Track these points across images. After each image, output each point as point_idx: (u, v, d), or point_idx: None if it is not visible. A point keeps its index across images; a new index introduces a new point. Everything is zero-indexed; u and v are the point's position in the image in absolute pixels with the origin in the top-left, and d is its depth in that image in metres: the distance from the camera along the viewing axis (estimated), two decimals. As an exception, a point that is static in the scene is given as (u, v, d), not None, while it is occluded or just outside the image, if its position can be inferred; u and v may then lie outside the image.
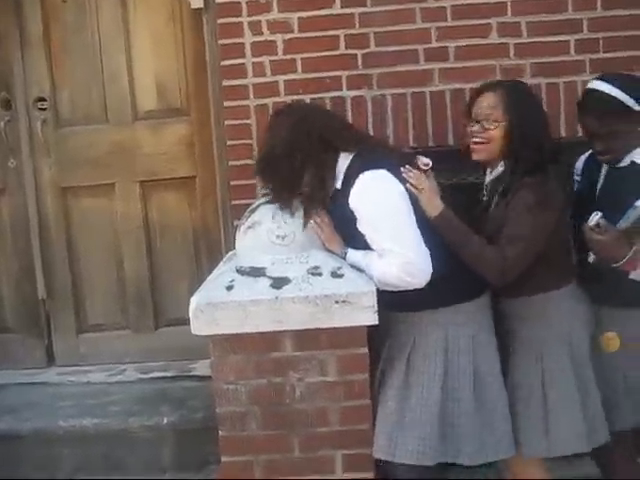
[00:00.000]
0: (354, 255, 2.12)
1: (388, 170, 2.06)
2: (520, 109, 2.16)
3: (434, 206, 2.09)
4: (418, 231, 2.03)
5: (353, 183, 2.06)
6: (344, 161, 2.11)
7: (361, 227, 2.07)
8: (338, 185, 2.13)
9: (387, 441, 2.12)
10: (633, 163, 2.17)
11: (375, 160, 2.09)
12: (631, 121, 2.14)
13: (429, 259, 2.01)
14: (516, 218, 2.10)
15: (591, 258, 2.06)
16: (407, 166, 2.10)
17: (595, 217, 1.98)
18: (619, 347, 2.18)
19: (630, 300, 2.16)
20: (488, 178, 2.26)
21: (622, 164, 2.20)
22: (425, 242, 2.04)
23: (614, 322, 2.20)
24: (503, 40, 2.71)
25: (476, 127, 2.17)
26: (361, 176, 2.05)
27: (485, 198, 2.26)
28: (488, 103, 2.17)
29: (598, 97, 2.16)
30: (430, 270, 2.01)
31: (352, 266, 2.10)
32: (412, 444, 2.10)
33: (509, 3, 2.70)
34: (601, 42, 2.73)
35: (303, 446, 2.10)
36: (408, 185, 2.08)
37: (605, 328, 2.20)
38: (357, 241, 2.10)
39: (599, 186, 2.23)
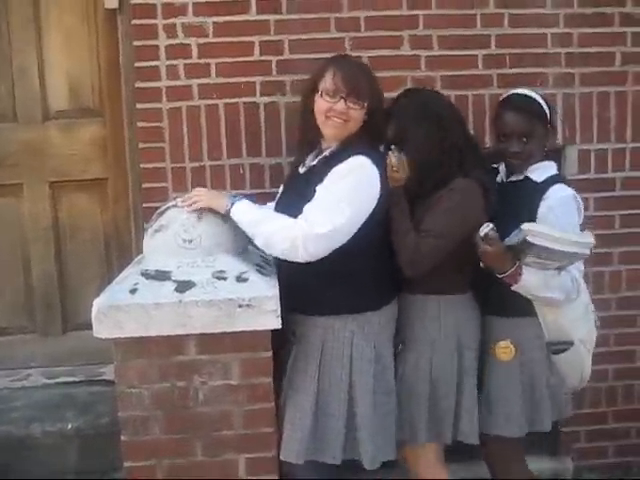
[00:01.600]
0: (248, 208, 2.14)
1: (376, 165, 2.11)
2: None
3: (398, 179, 2.17)
4: (352, 222, 2.07)
5: (338, 162, 2.10)
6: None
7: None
8: (314, 161, 2.19)
9: (299, 445, 2.15)
10: (527, 178, 2.28)
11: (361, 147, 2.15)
12: (544, 128, 2.31)
13: (327, 248, 2.05)
14: (437, 215, 2.19)
15: (482, 263, 2.15)
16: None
17: (485, 228, 2.08)
18: (513, 356, 2.28)
19: (519, 309, 2.26)
20: None
21: (516, 178, 2.31)
22: (350, 250, 2.09)
23: (506, 331, 2.30)
24: (415, 52, 2.78)
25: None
26: (353, 158, 2.10)
27: None
28: None
29: (523, 97, 2.34)
30: (318, 256, 2.05)
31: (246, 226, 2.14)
32: (326, 447, 2.16)
33: (421, 16, 2.78)
34: (508, 58, 2.84)
35: (206, 450, 2.09)
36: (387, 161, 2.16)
37: (497, 338, 2.30)
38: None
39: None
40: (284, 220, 2.11)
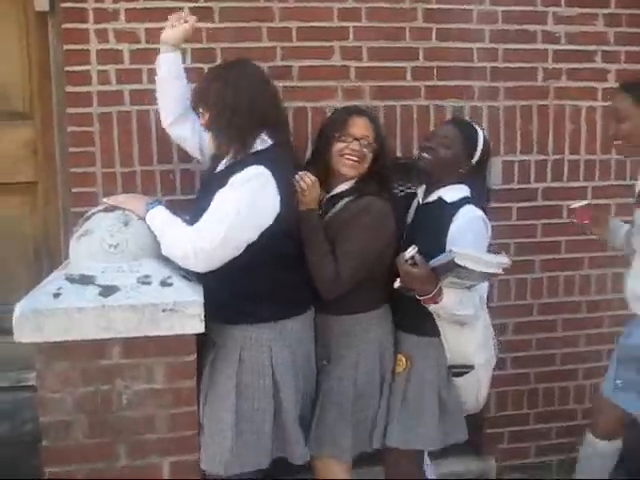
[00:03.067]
0: (159, 214, 2.16)
1: (275, 176, 2.10)
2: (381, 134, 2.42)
3: (308, 202, 2.23)
4: (244, 233, 2.07)
5: (239, 170, 2.10)
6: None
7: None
8: (222, 166, 2.20)
9: (221, 459, 2.17)
10: (440, 199, 2.37)
11: (268, 158, 2.14)
12: (466, 153, 2.40)
13: (219, 259, 2.07)
14: (352, 238, 2.25)
15: (397, 284, 2.20)
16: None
17: (412, 251, 2.14)
18: (404, 369, 2.36)
19: (420, 328, 2.36)
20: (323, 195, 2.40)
21: (430, 199, 2.40)
22: (259, 261, 2.12)
23: (404, 346, 2.40)
24: (345, 63, 2.85)
25: (355, 145, 2.33)
26: (250, 168, 2.09)
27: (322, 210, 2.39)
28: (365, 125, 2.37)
29: (467, 122, 2.51)
30: (211, 267, 2.08)
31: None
32: (251, 458, 2.19)
33: (351, 28, 2.85)
34: (435, 70, 2.94)
35: (130, 454, 2.10)
36: (297, 184, 2.20)
37: (398, 350, 2.40)
38: None
39: (409, 220, 2.41)
40: (181, 229, 2.12)
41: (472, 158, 2.39)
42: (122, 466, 2.10)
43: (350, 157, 2.33)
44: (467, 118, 2.67)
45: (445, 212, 2.31)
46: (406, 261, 2.15)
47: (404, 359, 2.37)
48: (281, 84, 2.76)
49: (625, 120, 2.35)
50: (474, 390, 2.42)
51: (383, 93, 2.88)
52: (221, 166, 2.25)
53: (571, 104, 3.08)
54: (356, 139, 2.32)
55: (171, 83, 2.41)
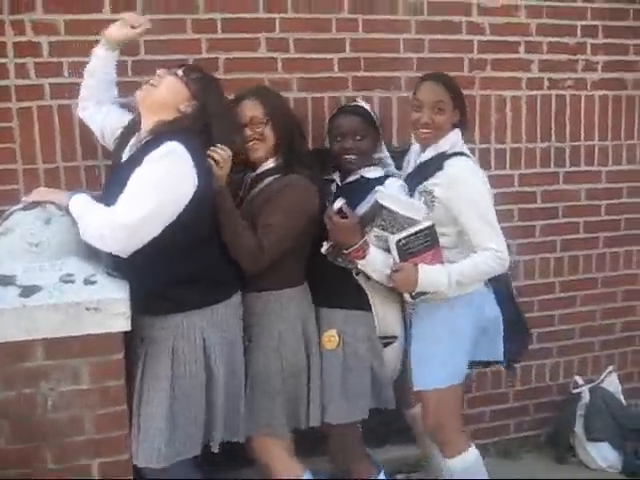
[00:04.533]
0: (79, 200, 2.13)
1: (190, 152, 2.07)
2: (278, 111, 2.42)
3: (221, 176, 2.23)
4: (161, 210, 2.04)
5: (153, 149, 2.07)
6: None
7: None
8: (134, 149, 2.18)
9: (157, 449, 2.14)
10: (362, 177, 2.43)
11: (175, 133, 2.11)
12: (374, 132, 2.51)
13: (136, 239, 2.04)
14: (275, 211, 2.27)
15: (324, 248, 2.26)
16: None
17: (340, 202, 2.20)
18: (337, 345, 2.39)
19: (349, 302, 2.39)
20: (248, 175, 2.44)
21: (352, 178, 2.45)
22: (180, 244, 2.10)
23: (334, 322, 2.41)
24: (271, 55, 2.83)
25: (247, 131, 2.38)
26: (164, 145, 2.06)
27: (244, 190, 2.42)
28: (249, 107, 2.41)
29: (354, 105, 2.57)
30: (128, 247, 2.05)
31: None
32: (187, 445, 2.18)
33: (277, 20, 2.83)
34: (362, 61, 2.95)
35: (57, 457, 2.07)
36: (210, 158, 2.18)
37: (325, 327, 2.41)
38: None
39: (331, 199, 2.44)
40: (98, 210, 2.09)
41: (379, 138, 2.55)
42: (49, 470, 2.06)
43: (246, 143, 2.39)
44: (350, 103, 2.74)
45: (370, 186, 2.38)
46: (336, 214, 2.22)
47: (336, 336, 2.39)
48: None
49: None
50: (396, 359, 2.50)
51: (310, 85, 2.87)
52: (131, 150, 2.22)
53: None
54: (245, 125, 2.38)
55: (102, 75, 2.47)
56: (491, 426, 3.35)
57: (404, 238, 2.30)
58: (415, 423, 2.72)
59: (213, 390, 2.20)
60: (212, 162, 2.20)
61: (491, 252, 2.34)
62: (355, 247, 2.26)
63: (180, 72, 2.24)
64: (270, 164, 2.41)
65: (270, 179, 2.38)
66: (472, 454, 2.52)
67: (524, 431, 3.41)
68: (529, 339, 2.73)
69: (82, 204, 2.12)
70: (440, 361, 2.41)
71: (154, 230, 2.04)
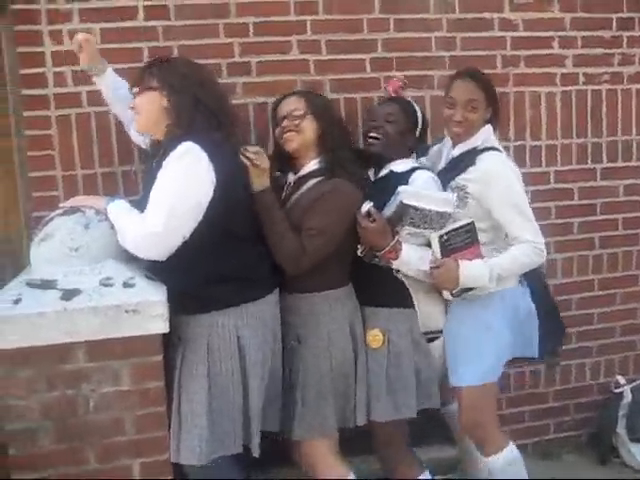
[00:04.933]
0: (117, 206, 2.18)
1: (206, 150, 2.08)
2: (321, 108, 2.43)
3: (261, 183, 2.24)
4: (185, 212, 2.07)
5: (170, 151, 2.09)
6: None
7: None
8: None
9: (198, 446, 2.16)
10: (391, 172, 2.42)
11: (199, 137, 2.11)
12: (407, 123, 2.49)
13: (168, 245, 2.08)
14: (320, 215, 2.27)
15: (360, 250, 2.26)
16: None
17: (367, 205, 2.20)
18: (382, 344, 2.38)
19: (392, 300, 2.38)
20: (292, 176, 2.44)
21: (382, 173, 2.44)
22: (212, 243, 2.12)
23: (378, 321, 2.40)
24: (304, 57, 2.85)
25: (284, 122, 2.39)
26: (179, 146, 2.08)
27: (287, 192, 2.43)
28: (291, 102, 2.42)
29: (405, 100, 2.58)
30: (161, 253, 2.09)
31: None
32: (226, 441, 2.19)
33: (309, 22, 2.85)
34: (394, 61, 2.94)
35: (99, 457, 2.09)
36: (244, 158, 2.20)
37: (369, 326, 2.40)
38: None
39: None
40: (133, 217, 2.13)
41: (415, 131, 2.50)
42: (92, 469, 2.09)
43: (282, 135, 2.40)
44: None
45: (399, 180, 2.38)
46: (363, 217, 2.23)
47: (381, 334, 2.39)
48: (240, 80, 2.79)
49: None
50: (444, 353, 2.48)
51: (343, 86, 2.88)
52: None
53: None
54: (284, 117, 2.39)
55: (116, 98, 2.49)
56: (531, 426, 3.31)
57: (446, 234, 2.30)
58: (452, 421, 2.70)
59: (249, 388, 2.21)
60: (246, 162, 2.21)
61: (528, 244, 2.33)
62: (387, 249, 2.26)
63: (154, 82, 2.20)
64: (313, 166, 2.40)
65: (313, 181, 2.37)
66: (511, 451, 2.49)
67: (564, 431, 3.36)
68: (564, 334, 2.69)
69: (119, 211, 2.16)
70: (474, 358, 2.40)
71: (184, 231, 2.08)
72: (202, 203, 2.08)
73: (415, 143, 2.52)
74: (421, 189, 2.28)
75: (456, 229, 2.32)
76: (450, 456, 3.04)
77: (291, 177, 2.46)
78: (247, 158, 2.22)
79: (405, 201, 2.20)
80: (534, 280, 2.52)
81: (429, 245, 2.35)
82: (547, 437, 3.34)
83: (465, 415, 2.49)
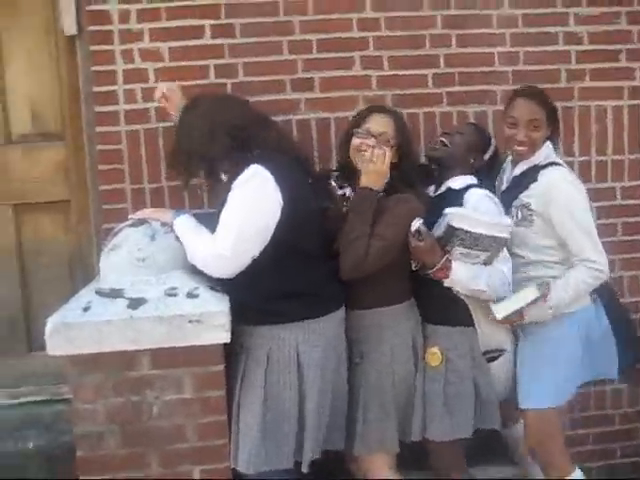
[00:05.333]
0: (185, 223, 2.25)
1: (272, 172, 2.13)
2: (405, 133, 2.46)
3: (369, 180, 2.30)
4: (253, 233, 2.12)
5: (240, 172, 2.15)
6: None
7: None
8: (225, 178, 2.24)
9: (249, 455, 2.20)
10: (449, 189, 2.41)
11: (264, 158, 2.17)
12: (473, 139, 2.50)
13: (237, 265, 2.13)
14: (383, 223, 2.28)
15: (414, 265, 2.26)
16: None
17: (416, 223, 2.20)
18: (440, 362, 2.36)
19: (451, 319, 2.37)
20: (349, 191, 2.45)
21: (441, 190, 2.44)
22: (279, 259, 2.15)
23: (437, 339, 2.39)
24: (366, 72, 2.87)
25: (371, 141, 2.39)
26: (247, 169, 2.14)
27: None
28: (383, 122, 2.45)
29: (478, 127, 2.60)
30: (230, 273, 2.15)
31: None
32: (278, 454, 2.22)
33: (371, 38, 2.88)
34: (456, 76, 2.94)
35: (161, 463, 2.15)
36: (367, 152, 2.31)
37: (429, 344, 2.39)
38: None
39: None
40: (203, 237, 2.19)
41: (485, 153, 2.50)
42: (154, 474, 2.15)
43: (359, 152, 2.38)
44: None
45: (453, 199, 2.37)
46: (412, 235, 2.23)
47: (439, 352, 2.38)
48: (303, 96, 2.83)
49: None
50: (507, 373, 2.45)
51: (405, 101, 2.89)
52: None
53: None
54: (373, 135, 2.37)
55: None
56: (596, 449, 3.21)
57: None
58: (516, 443, 2.66)
59: (305, 404, 2.23)
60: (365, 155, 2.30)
61: (584, 265, 2.30)
62: (437, 267, 2.25)
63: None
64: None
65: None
66: (577, 477, 2.43)
67: (632, 456, 3.25)
68: None
69: (187, 228, 2.24)
70: (544, 382, 2.37)
71: (252, 253, 2.14)
72: (270, 225, 2.14)
73: (481, 164, 2.51)
74: (471, 212, 2.26)
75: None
76: (508, 476, 2.98)
77: (349, 191, 2.46)
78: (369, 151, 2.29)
79: (452, 223, 2.20)
80: (604, 298, 2.46)
81: (485, 264, 2.33)
82: (613, 461, 3.23)
83: (531, 438, 2.45)
